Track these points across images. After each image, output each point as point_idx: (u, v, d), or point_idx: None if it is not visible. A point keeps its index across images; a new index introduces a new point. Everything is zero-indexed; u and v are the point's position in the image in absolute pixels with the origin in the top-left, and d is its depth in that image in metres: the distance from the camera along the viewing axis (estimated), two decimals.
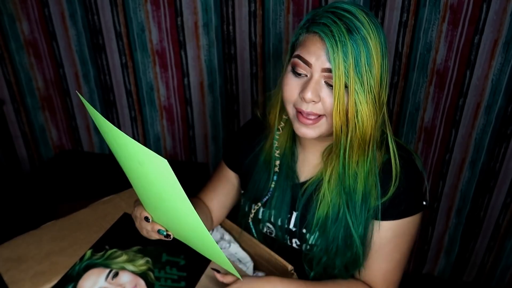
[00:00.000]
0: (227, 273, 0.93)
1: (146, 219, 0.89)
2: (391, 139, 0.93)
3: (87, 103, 0.76)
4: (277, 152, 1.04)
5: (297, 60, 0.86)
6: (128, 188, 1.26)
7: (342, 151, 0.90)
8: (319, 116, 0.87)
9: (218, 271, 0.94)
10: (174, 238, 0.90)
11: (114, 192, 1.28)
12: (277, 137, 1.03)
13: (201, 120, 1.94)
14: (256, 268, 1.11)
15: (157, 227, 0.88)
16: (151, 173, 0.73)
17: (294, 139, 1.05)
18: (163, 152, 2.07)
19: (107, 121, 0.72)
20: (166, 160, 0.65)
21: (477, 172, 1.73)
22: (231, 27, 1.70)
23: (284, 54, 0.91)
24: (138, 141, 2.04)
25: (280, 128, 1.02)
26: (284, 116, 1.01)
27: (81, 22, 1.82)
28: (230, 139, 1.21)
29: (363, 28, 0.81)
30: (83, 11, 1.79)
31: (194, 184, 1.51)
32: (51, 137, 2.16)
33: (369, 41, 0.81)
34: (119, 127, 2.07)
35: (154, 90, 1.91)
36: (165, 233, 0.88)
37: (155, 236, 0.90)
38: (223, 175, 1.17)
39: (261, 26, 1.66)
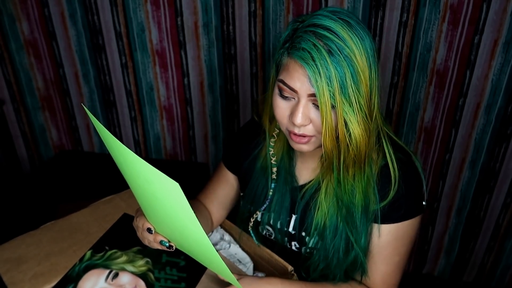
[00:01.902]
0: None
1: (149, 230, 0.88)
2: (386, 145, 0.92)
3: (93, 117, 0.76)
4: (273, 159, 1.03)
5: (282, 85, 0.84)
6: (128, 188, 1.26)
7: (335, 171, 0.89)
8: (311, 136, 0.87)
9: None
10: (176, 248, 0.90)
11: (114, 192, 1.28)
12: (272, 144, 1.03)
13: (201, 120, 1.94)
14: (256, 268, 1.11)
15: (160, 238, 0.88)
16: (160, 193, 0.72)
17: None
18: (163, 152, 2.07)
19: (115, 138, 0.71)
20: (178, 184, 0.64)
21: (477, 172, 1.73)
22: (231, 27, 1.70)
23: (272, 60, 0.91)
24: (138, 141, 2.05)
25: (275, 135, 1.02)
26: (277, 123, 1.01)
27: (81, 22, 1.82)
28: (229, 140, 1.21)
29: (345, 46, 0.77)
30: (83, 11, 1.79)
31: (194, 184, 1.51)
32: (51, 137, 2.16)
33: (354, 58, 0.78)
34: (119, 127, 2.09)
35: (154, 90, 1.91)
36: (167, 244, 0.88)
37: (157, 247, 0.90)
38: (222, 177, 1.17)
39: (261, 26, 1.66)
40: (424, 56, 1.56)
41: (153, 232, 0.88)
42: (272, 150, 1.03)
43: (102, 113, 2.03)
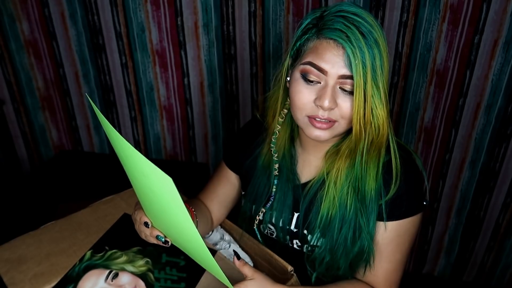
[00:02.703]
0: (246, 264, 0.91)
1: (146, 224, 0.89)
2: (392, 139, 0.93)
3: (95, 106, 0.77)
4: (276, 155, 1.04)
5: (309, 67, 0.85)
6: (128, 188, 1.26)
7: (359, 157, 0.90)
8: (334, 121, 0.87)
9: (238, 257, 0.91)
10: (172, 244, 0.90)
11: (114, 192, 1.27)
12: (274, 140, 1.03)
13: (201, 120, 1.94)
14: (256, 268, 1.10)
15: (156, 232, 0.88)
16: (155, 186, 0.73)
17: (292, 141, 1.04)
18: (163, 152, 2.07)
19: (113, 128, 0.72)
20: (170, 179, 0.65)
21: (477, 172, 1.73)
22: (231, 27, 1.70)
23: (284, 55, 0.91)
24: (138, 141, 2.05)
25: (277, 131, 1.02)
26: (280, 119, 1.01)
27: (81, 22, 1.82)
28: (230, 139, 1.21)
29: (373, 31, 0.81)
30: (83, 11, 1.79)
31: (194, 184, 1.51)
32: (51, 137, 2.16)
33: (380, 43, 0.82)
34: (119, 127, 2.08)
35: (154, 90, 1.91)
36: (163, 239, 0.88)
37: (153, 241, 0.90)
38: (223, 176, 1.17)
39: (261, 26, 1.66)
40: (424, 56, 1.56)
41: (149, 226, 0.89)
42: (275, 146, 1.03)
43: (102, 113, 2.03)
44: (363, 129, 0.86)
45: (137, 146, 2.07)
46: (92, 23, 1.81)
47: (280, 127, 1.02)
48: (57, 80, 1.99)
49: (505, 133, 1.62)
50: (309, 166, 1.03)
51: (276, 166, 1.04)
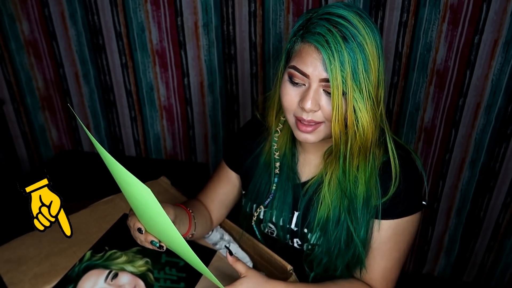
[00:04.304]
0: (238, 260, 0.92)
1: (139, 230, 0.89)
2: (389, 139, 0.93)
3: (77, 116, 0.78)
4: (277, 154, 1.04)
5: (293, 71, 0.86)
6: None
7: (342, 159, 0.90)
8: (319, 123, 0.88)
9: (231, 253, 0.91)
10: (167, 248, 0.90)
11: (114, 192, 1.27)
12: (275, 139, 1.04)
13: (201, 120, 1.94)
14: (255, 268, 1.10)
15: (150, 238, 0.88)
16: (138, 195, 0.74)
17: (293, 140, 1.05)
18: (163, 152, 2.07)
19: (94, 139, 0.74)
20: (149, 189, 0.66)
21: (477, 172, 1.73)
22: (231, 27, 1.70)
23: (281, 55, 0.94)
24: (138, 141, 2.05)
25: (279, 130, 1.03)
26: (282, 118, 1.01)
27: (81, 22, 1.82)
28: (231, 139, 1.21)
29: (358, 34, 0.81)
30: (83, 11, 1.79)
31: (194, 184, 1.51)
32: (51, 137, 2.16)
33: (366, 46, 0.81)
34: (119, 127, 2.08)
35: (154, 90, 1.91)
36: (158, 244, 0.88)
37: (148, 246, 0.90)
38: (223, 175, 1.17)
39: (261, 26, 1.66)
40: (424, 56, 1.56)
41: (143, 232, 0.89)
42: (276, 145, 1.03)
43: (102, 113, 2.03)
44: (343, 133, 0.86)
45: (137, 146, 2.07)
46: (92, 23, 1.81)
47: (282, 125, 1.02)
48: (57, 80, 1.99)
49: (505, 133, 1.62)
50: (309, 165, 1.04)
51: (277, 164, 1.04)
